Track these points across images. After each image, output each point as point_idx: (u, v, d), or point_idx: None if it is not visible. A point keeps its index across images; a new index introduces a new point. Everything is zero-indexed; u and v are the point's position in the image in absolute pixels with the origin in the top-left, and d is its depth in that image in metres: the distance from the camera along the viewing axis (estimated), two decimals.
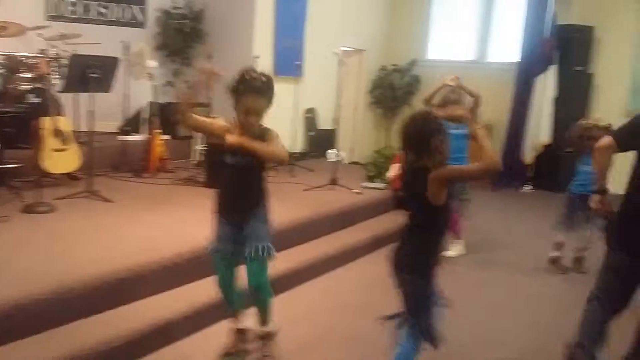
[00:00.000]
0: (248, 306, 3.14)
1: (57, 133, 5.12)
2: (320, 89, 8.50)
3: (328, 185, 6.09)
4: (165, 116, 6.97)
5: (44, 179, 4.87)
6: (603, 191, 3.12)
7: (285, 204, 5.20)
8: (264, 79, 2.79)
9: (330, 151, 8.74)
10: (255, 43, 7.58)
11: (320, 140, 8.60)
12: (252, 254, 2.90)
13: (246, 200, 2.93)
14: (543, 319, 4.04)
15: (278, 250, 4.23)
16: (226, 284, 3.03)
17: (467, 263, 5.12)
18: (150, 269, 3.45)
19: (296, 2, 8.14)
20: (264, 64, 7.71)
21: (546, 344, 3.63)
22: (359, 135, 10.00)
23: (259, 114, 2.81)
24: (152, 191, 5.47)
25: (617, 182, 3.16)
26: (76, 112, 6.09)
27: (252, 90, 2.74)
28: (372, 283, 4.37)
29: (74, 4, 7.12)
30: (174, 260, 3.60)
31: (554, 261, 5.05)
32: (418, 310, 2.61)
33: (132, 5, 7.50)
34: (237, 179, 2.89)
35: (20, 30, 5.82)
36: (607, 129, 4.42)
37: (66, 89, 5.08)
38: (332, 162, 6.59)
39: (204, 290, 3.56)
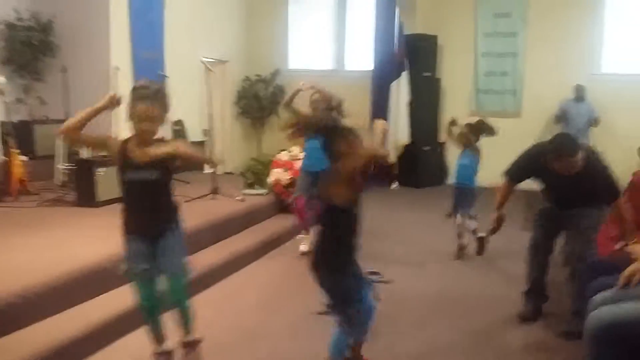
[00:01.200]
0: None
1: None
2: (186, 100, 8.34)
3: (210, 195, 5.99)
4: (22, 135, 6.43)
5: None
6: (500, 217, 3.97)
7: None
8: (154, 86, 2.81)
9: None
10: (112, 54, 7.26)
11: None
12: (174, 271, 2.86)
13: (159, 214, 2.87)
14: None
15: None
16: (151, 304, 2.90)
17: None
18: (35, 292, 3.18)
19: (151, 11, 7.91)
20: (124, 75, 7.44)
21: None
22: (228, 146, 9.94)
23: (153, 121, 2.75)
24: (18, 215, 5.01)
25: None
26: None
27: (142, 97, 2.72)
28: (269, 283, 4.40)
29: None
30: (61, 280, 3.35)
31: (462, 248, 5.42)
32: (343, 303, 2.70)
33: None
34: (147, 194, 2.80)
35: None
36: (478, 124, 5.11)
37: None
38: (207, 173, 6.51)
39: (99, 308, 3.37)
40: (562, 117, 8.67)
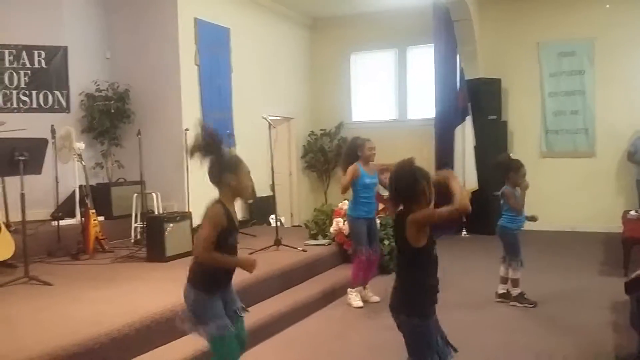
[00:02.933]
0: None
1: None
2: (254, 158, 8.59)
3: (273, 247, 6.10)
4: (99, 197, 6.86)
5: None
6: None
7: None
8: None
9: (271, 216, 8.86)
10: (183, 118, 7.68)
11: (259, 208, 8.65)
12: (241, 310, 3.03)
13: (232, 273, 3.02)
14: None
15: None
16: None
17: None
18: (99, 342, 3.32)
19: (219, 76, 8.39)
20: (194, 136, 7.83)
21: None
22: (296, 199, 10.14)
23: None
24: (93, 271, 5.30)
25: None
26: (4, 201, 5.90)
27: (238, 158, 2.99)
28: (327, 338, 4.36)
29: None
30: (123, 331, 3.48)
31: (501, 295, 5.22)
32: (419, 352, 2.67)
33: (55, 92, 7.47)
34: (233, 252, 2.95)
35: None
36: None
37: None
38: (274, 226, 6.64)
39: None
40: (635, 153, 8.25)
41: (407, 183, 2.65)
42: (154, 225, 5.69)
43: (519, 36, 9.43)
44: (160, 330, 3.71)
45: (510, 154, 5.33)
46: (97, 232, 6.07)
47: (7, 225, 5.96)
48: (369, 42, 10.44)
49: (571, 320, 4.73)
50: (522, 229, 5.22)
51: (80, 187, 6.60)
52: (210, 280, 2.87)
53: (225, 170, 2.88)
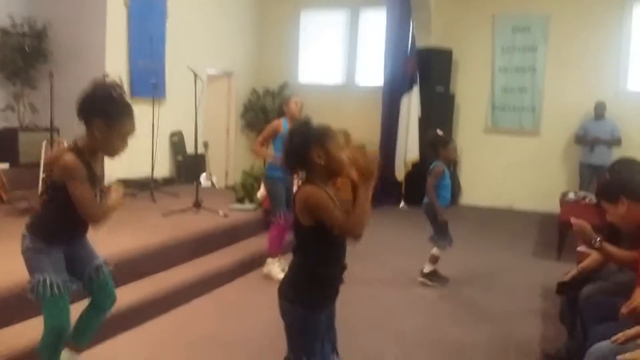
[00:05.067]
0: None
1: None
2: (187, 112, 8.05)
3: (192, 209, 5.62)
4: (5, 142, 6.20)
5: None
6: None
7: (138, 230, 4.71)
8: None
9: (202, 176, 8.35)
10: (107, 62, 7.01)
11: (189, 166, 8.11)
12: (105, 271, 2.66)
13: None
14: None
15: (128, 281, 3.77)
16: (69, 325, 2.54)
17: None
18: None
19: (152, 20, 7.70)
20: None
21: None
22: (233, 159, 9.63)
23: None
24: None
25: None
26: None
27: (130, 112, 2.46)
28: (235, 313, 3.96)
29: None
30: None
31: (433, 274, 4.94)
32: (297, 349, 2.24)
33: None
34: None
35: None
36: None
37: None
38: (204, 187, 6.15)
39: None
40: (583, 136, 8.09)
41: (295, 145, 2.22)
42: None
43: (475, 7, 9.05)
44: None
45: (438, 131, 5.02)
46: None
47: None
48: (321, 0, 9.88)
49: (497, 305, 4.49)
50: (447, 205, 4.94)
51: None
52: (50, 230, 2.44)
53: (99, 114, 2.38)
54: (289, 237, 5.13)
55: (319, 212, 2.14)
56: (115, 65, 7.10)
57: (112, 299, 2.72)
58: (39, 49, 6.93)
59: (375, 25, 9.47)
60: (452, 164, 4.90)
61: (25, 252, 2.46)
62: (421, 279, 4.89)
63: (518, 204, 8.74)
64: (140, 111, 6.49)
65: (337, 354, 2.38)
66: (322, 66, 10.08)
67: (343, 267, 2.32)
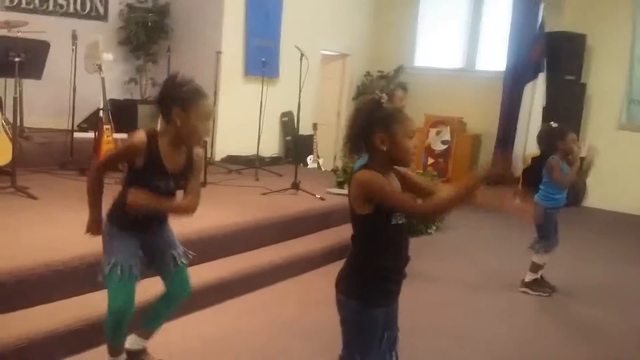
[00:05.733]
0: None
1: None
2: (297, 92, 8.06)
3: (290, 190, 5.58)
4: (125, 114, 6.54)
5: None
6: None
7: (233, 207, 4.73)
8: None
9: (309, 157, 8.35)
10: (223, 40, 7.16)
11: (299, 146, 8.11)
12: (182, 262, 2.62)
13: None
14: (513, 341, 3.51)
15: (214, 258, 3.77)
16: (132, 310, 2.51)
17: (429, 279, 4.61)
18: (36, 272, 2.93)
19: (270, 1, 7.73)
20: (234, 62, 7.31)
21: None
22: (342, 142, 9.53)
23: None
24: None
25: None
26: (20, 105, 5.63)
27: (203, 94, 2.40)
28: (316, 301, 3.84)
29: None
30: (72, 264, 3.09)
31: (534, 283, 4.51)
32: (350, 346, 2.07)
33: None
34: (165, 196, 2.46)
35: None
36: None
37: None
38: (310, 168, 6.11)
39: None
40: None
41: (358, 126, 2.00)
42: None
43: None
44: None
45: (552, 123, 4.49)
46: (110, 149, 5.74)
47: (21, 130, 5.75)
48: None
49: (611, 324, 3.98)
50: (559, 207, 4.41)
51: (105, 100, 6.27)
52: (122, 213, 2.41)
53: (175, 102, 2.33)
54: None
55: (380, 197, 1.93)
56: (231, 44, 7.26)
57: (186, 292, 2.68)
58: (161, 25, 7.24)
59: (500, 5, 8.83)
60: (575, 160, 4.35)
61: (103, 236, 2.49)
62: (522, 289, 4.47)
63: None
64: (254, 90, 6.69)
65: (397, 357, 2.16)
66: (441, 49, 9.61)
67: (405, 260, 2.10)
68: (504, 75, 8.31)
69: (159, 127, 2.51)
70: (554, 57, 7.93)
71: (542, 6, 7.96)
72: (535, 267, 4.44)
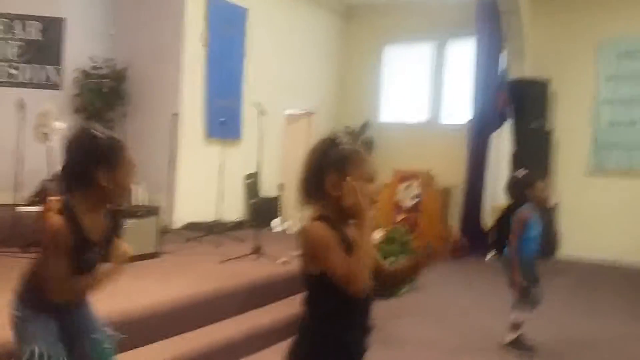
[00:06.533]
0: None
1: None
2: (264, 153, 7.87)
3: (250, 256, 5.26)
4: None
5: None
6: None
7: (187, 278, 4.39)
8: None
9: (274, 220, 8.03)
10: (183, 101, 6.98)
11: (262, 209, 7.83)
12: (107, 344, 2.29)
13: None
14: None
15: (164, 337, 3.44)
16: None
17: (403, 343, 4.28)
18: None
19: (230, 61, 7.63)
20: (194, 124, 7.12)
21: None
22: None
23: None
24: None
25: None
26: None
27: (122, 146, 2.17)
28: None
29: None
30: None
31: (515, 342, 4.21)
32: None
33: (47, 66, 6.87)
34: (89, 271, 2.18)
35: None
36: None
37: None
38: (276, 232, 5.82)
39: None
40: None
41: (311, 169, 1.76)
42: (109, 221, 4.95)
43: (575, 32, 8.20)
44: None
45: (520, 171, 4.35)
46: None
47: None
48: (406, 33, 9.44)
49: None
50: (534, 259, 4.16)
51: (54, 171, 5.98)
52: (39, 296, 2.10)
53: (98, 162, 2.06)
54: None
55: (320, 255, 1.65)
56: (191, 105, 7.08)
57: None
58: (118, 91, 7.04)
59: (462, 58, 8.89)
60: (545, 208, 4.16)
61: (14, 324, 2.15)
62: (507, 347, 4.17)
63: (626, 257, 7.58)
64: (215, 152, 6.46)
65: None
66: (405, 104, 9.61)
67: (366, 330, 1.80)
68: (468, 127, 8.25)
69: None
70: (519, 104, 7.93)
71: (504, 53, 8.02)
72: (514, 326, 4.16)
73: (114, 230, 2.25)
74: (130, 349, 3.28)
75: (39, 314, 2.12)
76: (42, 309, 2.12)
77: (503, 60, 8.04)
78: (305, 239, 1.70)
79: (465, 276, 6.65)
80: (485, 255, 7.65)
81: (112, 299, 3.67)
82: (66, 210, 2.06)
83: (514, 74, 8.12)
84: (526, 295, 4.06)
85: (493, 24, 8.05)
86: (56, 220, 2.01)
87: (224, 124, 6.26)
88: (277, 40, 8.42)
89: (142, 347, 3.43)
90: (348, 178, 1.69)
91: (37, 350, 2.07)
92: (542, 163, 7.99)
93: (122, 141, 2.16)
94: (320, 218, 1.71)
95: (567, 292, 6.16)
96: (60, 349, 2.14)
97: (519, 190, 4.12)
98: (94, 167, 2.06)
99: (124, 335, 2.45)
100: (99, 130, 2.13)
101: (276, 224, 7.82)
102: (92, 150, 2.08)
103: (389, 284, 1.89)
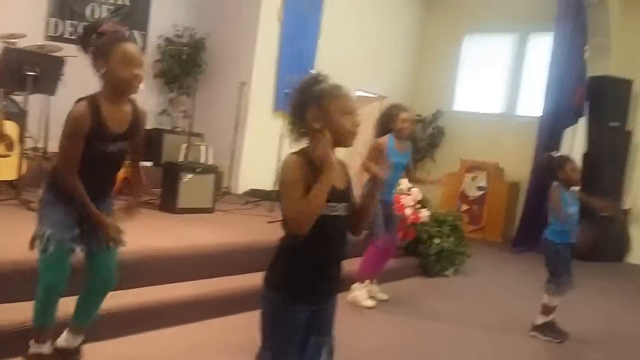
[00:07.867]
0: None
1: (1, 138, 4.79)
2: None
3: None
4: (153, 142, 6.65)
5: None
6: None
7: (231, 229, 4.67)
8: None
9: None
10: (254, 73, 7.26)
11: None
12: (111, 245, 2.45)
13: (109, 184, 2.56)
14: None
15: (197, 277, 3.64)
16: (64, 286, 2.40)
17: (439, 317, 4.33)
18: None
19: (304, 37, 7.83)
20: (263, 96, 7.39)
21: None
22: None
23: None
24: None
25: None
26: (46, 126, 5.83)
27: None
28: None
29: (74, 26, 7.05)
30: None
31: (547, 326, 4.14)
32: (265, 339, 1.89)
33: (134, 31, 7.35)
34: (111, 164, 2.48)
35: None
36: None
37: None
38: None
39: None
40: None
41: (294, 106, 1.88)
42: (170, 174, 5.31)
43: None
44: None
45: (552, 153, 4.24)
46: (127, 173, 5.81)
47: (44, 152, 5.89)
48: (487, 24, 9.24)
49: None
50: (566, 244, 4.02)
51: None
52: (59, 187, 2.35)
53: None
54: (388, 264, 4.73)
55: (281, 190, 1.78)
56: (262, 77, 7.34)
57: (109, 283, 2.53)
58: (195, 59, 7.42)
59: (543, 51, 8.59)
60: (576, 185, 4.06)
61: (38, 202, 2.43)
62: (532, 333, 4.11)
63: None
64: (279, 124, 6.69)
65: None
66: (480, 95, 9.42)
67: (338, 257, 1.91)
68: (540, 120, 8.00)
69: None
70: (598, 102, 7.60)
71: (585, 51, 7.71)
72: (546, 310, 4.09)
73: (136, 127, 2.43)
74: (162, 283, 3.57)
75: (57, 202, 2.36)
76: (61, 198, 2.35)
77: (584, 56, 7.72)
78: (279, 171, 1.84)
79: (518, 265, 6.58)
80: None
81: (152, 235, 4.00)
82: (89, 101, 2.29)
83: (596, 70, 7.77)
84: (557, 279, 3.98)
85: (577, 17, 7.73)
86: (78, 109, 2.27)
87: (286, 95, 6.45)
88: (354, 23, 8.52)
89: (177, 283, 3.70)
90: (327, 109, 1.80)
91: (46, 232, 2.32)
92: (618, 164, 7.64)
93: (124, 37, 2.36)
94: (299, 153, 1.83)
95: (625, 294, 5.92)
96: (70, 236, 2.36)
97: (550, 171, 4.04)
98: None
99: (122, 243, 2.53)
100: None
101: None
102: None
103: (362, 217, 1.96)
